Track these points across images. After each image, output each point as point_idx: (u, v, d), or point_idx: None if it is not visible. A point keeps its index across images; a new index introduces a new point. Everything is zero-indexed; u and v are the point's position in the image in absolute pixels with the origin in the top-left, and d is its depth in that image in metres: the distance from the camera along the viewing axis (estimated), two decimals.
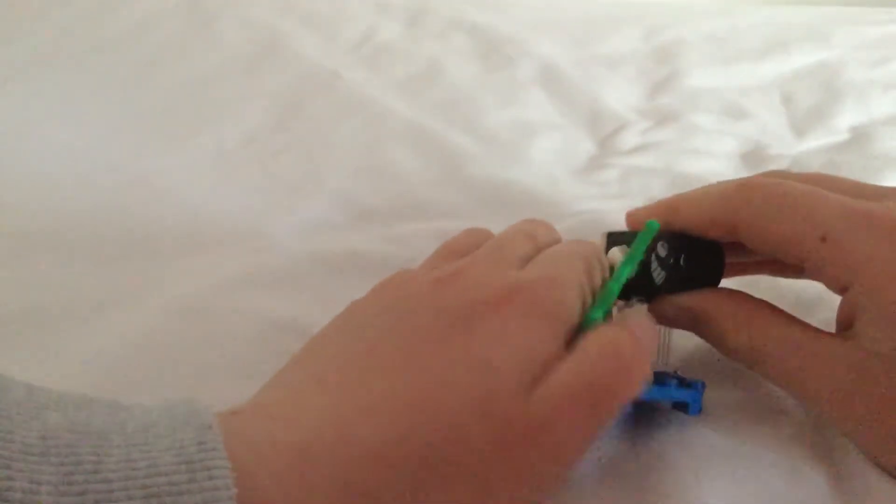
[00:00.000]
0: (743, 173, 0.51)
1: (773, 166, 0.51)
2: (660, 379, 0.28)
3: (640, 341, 0.23)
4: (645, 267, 0.29)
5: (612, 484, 0.26)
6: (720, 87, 0.66)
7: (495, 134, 0.57)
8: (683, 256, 0.28)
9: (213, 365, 0.32)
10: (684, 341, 0.32)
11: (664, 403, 0.29)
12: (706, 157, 0.53)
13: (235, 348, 0.33)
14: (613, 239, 0.31)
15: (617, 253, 0.29)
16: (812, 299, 0.34)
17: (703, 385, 0.28)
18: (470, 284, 0.24)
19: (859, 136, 0.57)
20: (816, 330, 0.27)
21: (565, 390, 0.22)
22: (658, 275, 0.29)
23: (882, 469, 0.26)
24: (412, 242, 0.40)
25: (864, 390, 0.25)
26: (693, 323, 0.29)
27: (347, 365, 0.22)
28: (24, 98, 0.60)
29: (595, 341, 0.23)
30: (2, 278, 0.37)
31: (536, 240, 0.29)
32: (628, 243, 0.29)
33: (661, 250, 0.28)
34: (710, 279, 0.30)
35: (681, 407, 0.28)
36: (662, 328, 0.30)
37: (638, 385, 0.23)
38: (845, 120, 0.60)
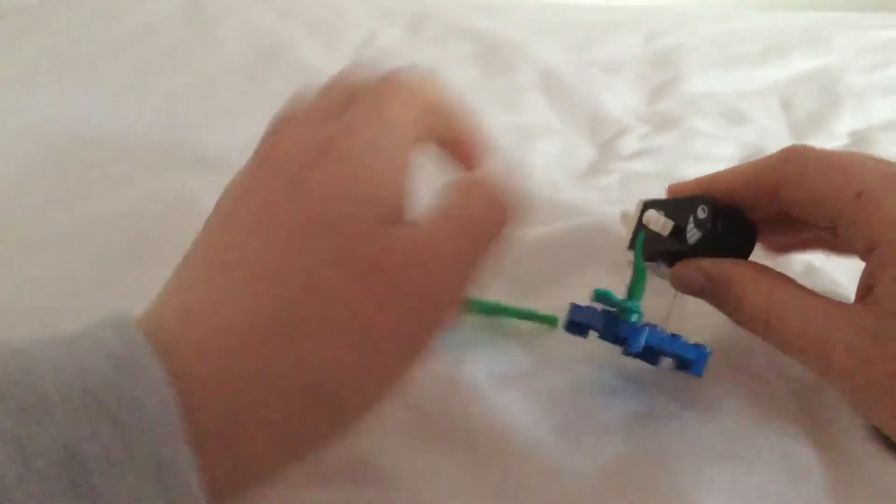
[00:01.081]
0: None
1: None
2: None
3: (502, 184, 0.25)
4: (679, 229, 0.30)
5: (611, 486, 0.26)
6: (720, 92, 0.66)
7: (495, 139, 0.57)
8: (721, 221, 0.29)
9: None
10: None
11: (665, 367, 0.29)
12: (706, 162, 0.54)
13: None
14: (649, 206, 0.31)
15: (653, 214, 0.30)
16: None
17: (710, 352, 0.29)
18: (288, 151, 0.24)
19: (859, 141, 0.57)
20: (834, 300, 0.27)
21: (435, 223, 0.23)
22: (693, 235, 0.29)
23: None
24: None
25: (880, 353, 0.25)
26: (712, 287, 0.29)
27: (217, 252, 0.24)
28: (26, 104, 0.60)
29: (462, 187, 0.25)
30: (4, 282, 0.37)
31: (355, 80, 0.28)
32: (665, 210, 0.30)
33: (701, 213, 0.29)
34: (739, 252, 0.30)
35: (685, 367, 0.28)
36: (675, 298, 0.31)
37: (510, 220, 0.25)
38: (845, 125, 0.60)
